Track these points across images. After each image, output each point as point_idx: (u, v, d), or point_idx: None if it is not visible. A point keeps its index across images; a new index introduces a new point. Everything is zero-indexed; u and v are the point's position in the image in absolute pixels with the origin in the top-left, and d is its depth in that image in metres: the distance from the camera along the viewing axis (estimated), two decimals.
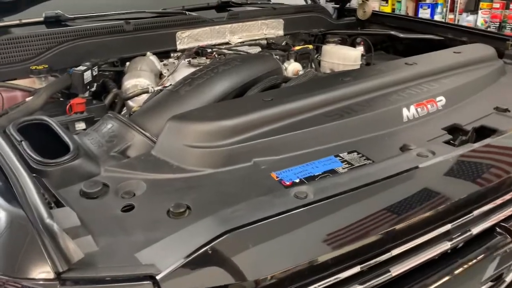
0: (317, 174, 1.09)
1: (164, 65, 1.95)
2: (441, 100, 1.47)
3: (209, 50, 2.01)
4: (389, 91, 1.46)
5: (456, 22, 5.36)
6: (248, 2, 2.61)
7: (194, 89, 1.47)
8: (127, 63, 1.89)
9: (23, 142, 1.07)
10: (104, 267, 0.78)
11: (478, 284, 1.22)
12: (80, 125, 1.48)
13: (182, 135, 1.16)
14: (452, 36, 2.23)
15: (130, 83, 1.72)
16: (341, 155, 1.18)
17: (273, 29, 2.29)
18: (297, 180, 1.06)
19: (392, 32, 2.39)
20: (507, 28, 5.20)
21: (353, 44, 2.45)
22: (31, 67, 1.65)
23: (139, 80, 1.72)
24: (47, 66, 1.66)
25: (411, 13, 5.84)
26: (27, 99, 1.53)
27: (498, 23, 5.25)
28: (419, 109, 1.40)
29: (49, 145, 1.14)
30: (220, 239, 0.83)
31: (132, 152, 1.21)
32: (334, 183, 1.03)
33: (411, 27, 2.42)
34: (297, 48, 2.16)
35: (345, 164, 1.14)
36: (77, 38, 1.79)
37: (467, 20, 5.37)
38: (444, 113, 1.45)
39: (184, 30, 2.01)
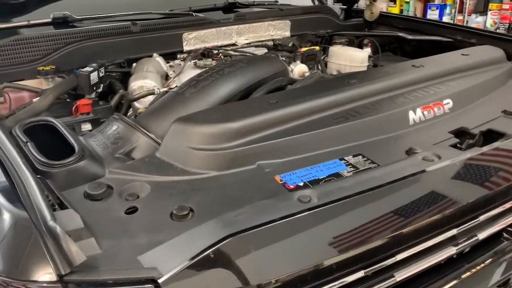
0: (321, 177, 1.09)
1: (170, 66, 1.96)
2: (448, 103, 1.45)
3: (215, 52, 2.01)
4: (396, 93, 1.45)
5: (465, 24, 5.31)
6: (255, 3, 2.61)
7: (199, 91, 1.47)
8: (134, 64, 1.89)
9: (28, 143, 1.08)
10: (106, 270, 0.78)
11: None
12: (86, 126, 1.48)
13: (186, 137, 1.16)
14: (461, 37, 2.20)
15: (136, 84, 1.72)
16: (346, 158, 1.17)
17: (279, 30, 2.28)
18: (301, 184, 1.05)
19: (400, 34, 2.37)
20: None
21: (360, 46, 2.43)
22: (38, 68, 1.66)
23: (145, 81, 1.72)
24: (54, 67, 1.67)
25: (419, 14, 5.80)
26: (34, 100, 1.54)
27: (508, 25, 5.19)
28: (425, 112, 1.39)
29: (55, 146, 1.14)
30: (223, 242, 0.82)
31: (137, 153, 1.22)
32: (338, 187, 1.02)
33: (419, 28, 2.40)
34: (303, 49, 2.15)
35: (350, 167, 1.13)
36: (84, 39, 1.80)
37: (476, 21, 5.32)
38: (451, 116, 1.43)
39: (190, 31, 2.01)
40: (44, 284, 0.76)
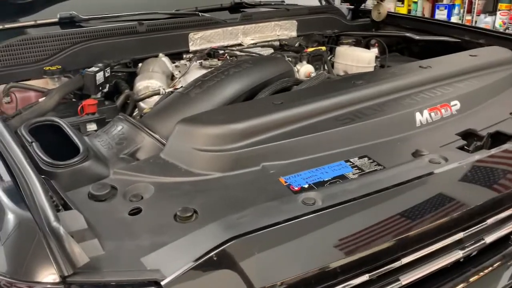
0: (326, 179, 1.08)
1: (176, 66, 1.96)
2: (456, 105, 1.44)
3: (221, 52, 2.00)
4: (402, 94, 1.43)
5: (473, 24, 5.26)
6: (262, 3, 2.60)
7: (205, 92, 1.46)
8: (140, 64, 1.90)
9: (33, 143, 1.08)
10: (109, 272, 0.78)
11: None
12: (92, 126, 1.49)
13: (191, 138, 1.16)
14: (469, 38, 2.18)
15: (142, 84, 1.72)
16: (351, 160, 1.16)
17: (286, 30, 2.27)
18: (306, 186, 1.05)
19: (407, 34, 2.35)
20: None
21: (368, 46, 2.42)
22: (44, 68, 1.66)
23: (150, 81, 1.72)
24: (60, 67, 1.67)
25: (427, 14, 5.75)
26: (40, 99, 1.54)
27: None
28: (432, 114, 1.38)
29: (60, 146, 1.15)
30: (227, 245, 0.82)
31: (142, 154, 1.22)
32: (343, 189, 1.01)
33: (427, 28, 2.38)
34: (310, 49, 2.14)
35: (356, 169, 1.12)
36: (91, 39, 1.80)
37: (485, 21, 5.26)
38: (459, 118, 1.42)
39: (196, 31, 2.01)
40: (48, 285, 0.76)
